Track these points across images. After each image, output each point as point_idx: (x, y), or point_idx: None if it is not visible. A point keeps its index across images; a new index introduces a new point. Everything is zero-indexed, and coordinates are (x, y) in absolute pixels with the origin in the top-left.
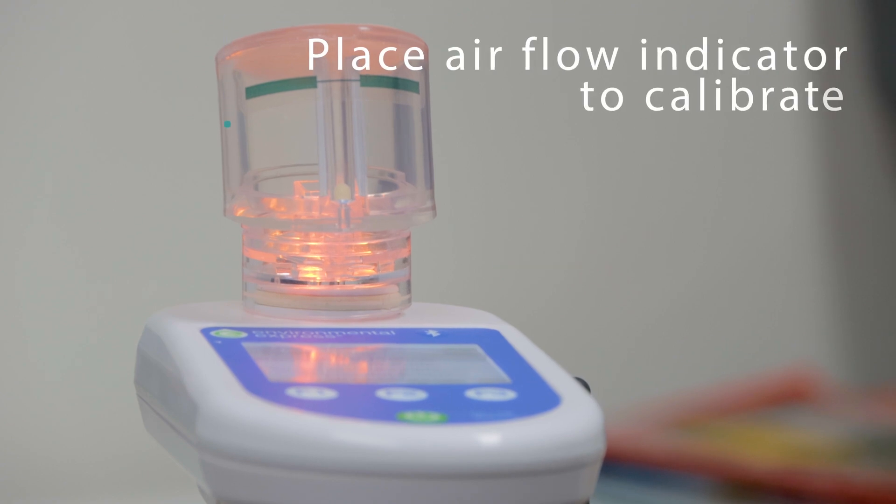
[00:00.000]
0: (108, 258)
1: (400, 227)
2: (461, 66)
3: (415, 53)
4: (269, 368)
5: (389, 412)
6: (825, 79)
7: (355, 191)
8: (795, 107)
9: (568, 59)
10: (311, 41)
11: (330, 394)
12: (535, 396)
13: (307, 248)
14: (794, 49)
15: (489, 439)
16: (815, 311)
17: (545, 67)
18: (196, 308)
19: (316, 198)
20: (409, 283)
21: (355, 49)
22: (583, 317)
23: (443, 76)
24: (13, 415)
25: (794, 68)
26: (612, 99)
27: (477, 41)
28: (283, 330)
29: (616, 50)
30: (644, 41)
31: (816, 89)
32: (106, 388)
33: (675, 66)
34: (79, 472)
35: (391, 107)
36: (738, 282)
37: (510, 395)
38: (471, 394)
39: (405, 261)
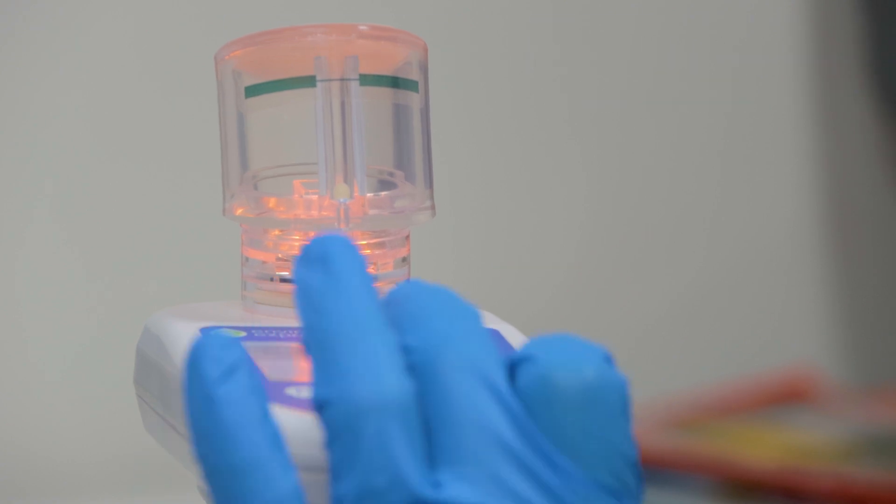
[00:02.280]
0: (108, 258)
1: (399, 226)
2: (461, 66)
3: (414, 53)
4: (269, 368)
5: None
6: (825, 79)
7: (354, 190)
8: (795, 107)
9: (568, 59)
10: (311, 40)
11: None
12: None
13: None
14: (794, 49)
15: None
16: (815, 311)
17: (545, 67)
18: (196, 308)
19: (315, 197)
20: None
21: (355, 49)
22: (583, 317)
23: (443, 76)
24: (13, 415)
25: (794, 68)
26: (611, 99)
27: (477, 41)
28: (282, 329)
29: (616, 50)
30: (644, 41)
31: (816, 89)
32: (106, 388)
33: (674, 67)
34: (79, 472)
35: (390, 106)
36: (738, 282)
37: None
38: None
39: (404, 260)
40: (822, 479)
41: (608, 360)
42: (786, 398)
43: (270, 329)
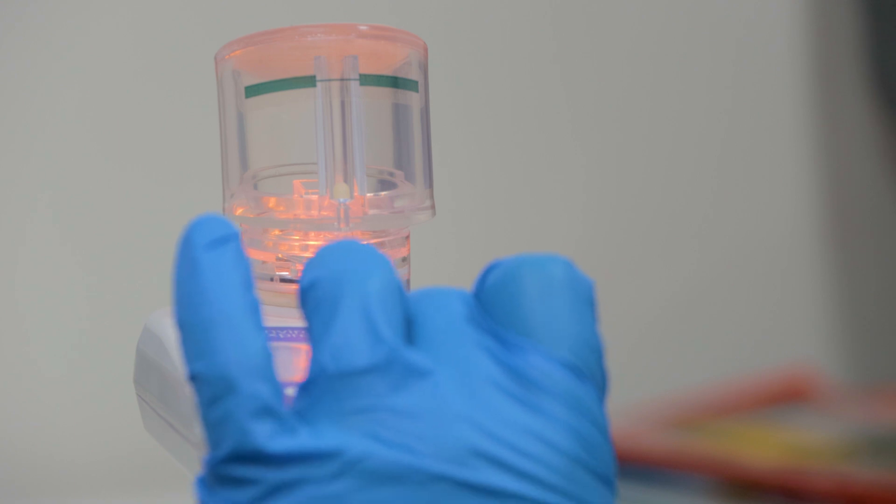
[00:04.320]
0: (108, 258)
1: (399, 226)
2: (461, 66)
3: (414, 53)
4: None
5: None
6: (825, 78)
7: (354, 190)
8: (795, 106)
9: (567, 59)
10: (311, 40)
11: None
12: None
13: (306, 248)
14: (794, 49)
15: None
16: (815, 311)
17: (545, 67)
18: None
19: (315, 197)
20: (408, 281)
21: (354, 48)
22: None
23: (443, 76)
24: (13, 415)
25: (794, 68)
26: (611, 99)
27: (477, 41)
28: (282, 329)
29: (616, 50)
30: (644, 41)
31: (816, 89)
32: (106, 387)
33: (674, 66)
34: (79, 472)
35: (390, 106)
36: (738, 282)
37: None
38: None
39: (404, 260)
40: (821, 478)
41: (571, 264)
42: (786, 398)
43: (270, 329)
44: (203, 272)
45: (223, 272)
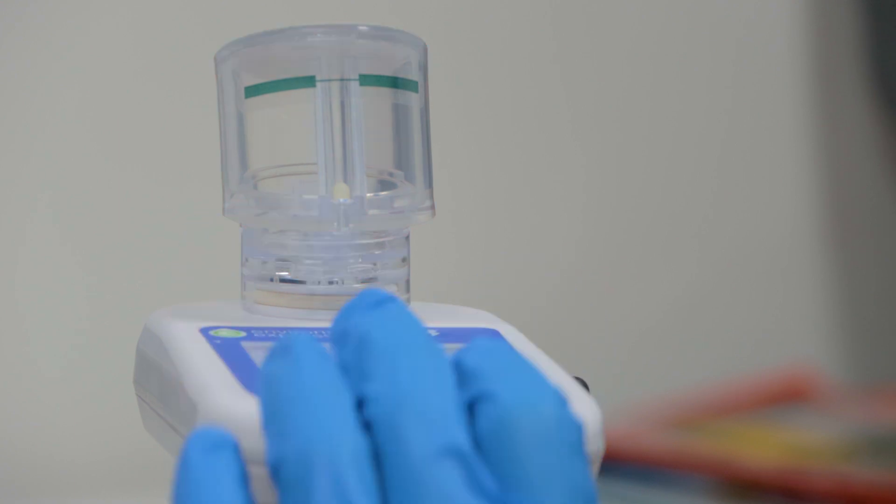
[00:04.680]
0: (109, 258)
1: (399, 226)
2: (461, 66)
3: (414, 53)
4: None
5: None
6: (825, 78)
7: (354, 190)
8: (795, 107)
9: (568, 59)
10: (311, 40)
11: None
12: None
13: (307, 248)
14: (794, 49)
15: None
16: (815, 311)
17: (545, 67)
18: (195, 307)
19: (315, 197)
20: (408, 282)
21: (354, 49)
22: (582, 317)
23: (443, 76)
24: (13, 414)
25: (794, 68)
26: (611, 99)
27: (477, 41)
28: (282, 329)
29: (616, 50)
30: (644, 41)
31: (816, 89)
32: (106, 387)
33: (674, 66)
34: (79, 472)
35: (390, 106)
36: (738, 282)
37: None
38: None
39: (404, 260)
40: (822, 479)
41: (564, 402)
42: (786, 398)
43: (270, 329)
44: (194, 470)
45: (216, 471)
